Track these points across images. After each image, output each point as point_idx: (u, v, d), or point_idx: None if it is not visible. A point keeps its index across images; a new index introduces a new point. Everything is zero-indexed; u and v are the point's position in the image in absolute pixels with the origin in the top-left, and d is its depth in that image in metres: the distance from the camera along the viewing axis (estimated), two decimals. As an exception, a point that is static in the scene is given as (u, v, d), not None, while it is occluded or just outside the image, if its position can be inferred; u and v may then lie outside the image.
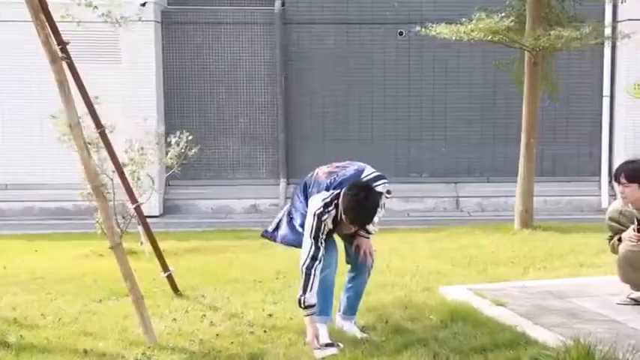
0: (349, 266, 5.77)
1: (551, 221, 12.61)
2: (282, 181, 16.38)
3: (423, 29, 11.43)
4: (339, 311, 5.78)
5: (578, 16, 11.83)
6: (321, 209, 5.25)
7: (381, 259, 8.44)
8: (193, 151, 10.78)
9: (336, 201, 5.26)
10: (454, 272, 8.01)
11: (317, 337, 5.26)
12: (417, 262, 8.59)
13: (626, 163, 6.31)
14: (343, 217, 5.23)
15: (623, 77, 16.05)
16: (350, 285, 5.73)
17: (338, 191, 5.28)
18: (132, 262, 5.95)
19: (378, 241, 10.11)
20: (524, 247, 9.62)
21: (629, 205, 6.21)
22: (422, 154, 16.58)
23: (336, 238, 5.60)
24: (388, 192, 5.54)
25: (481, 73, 16.21)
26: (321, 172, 5.56)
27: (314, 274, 5.21)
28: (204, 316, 6.25)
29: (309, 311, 5.27)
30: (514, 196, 12.00)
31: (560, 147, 16.37)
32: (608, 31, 12.73)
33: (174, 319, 6.18)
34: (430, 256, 9.14)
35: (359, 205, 5.17)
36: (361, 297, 5.81)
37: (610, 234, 6.40)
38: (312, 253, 5.22)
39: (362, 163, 5.61)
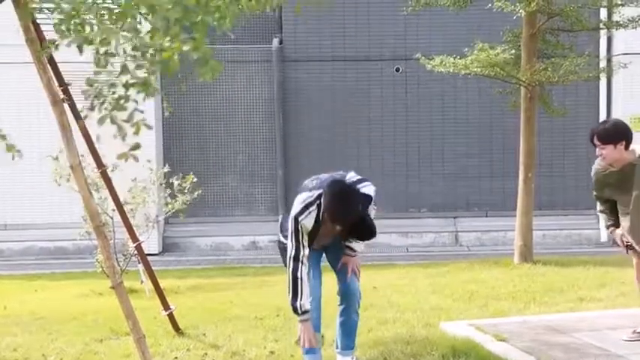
0: (339, 299, 5.65)
1: (550, 255, 12.59)
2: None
3: (423, 59, 11.50)
4: (337, 348, 5.71)
5: (573, 48, 11.93)
6: (301, 209, 5.20)
7: (381, 295, 8.45)
8: (196, 194, 10.73)
9: (318, 201, 5.20)
10: (455, 307, 8.00)
11: (312, 340, 5.18)
12: (418, 298, 8.59)
13: (601, 123, 6.35)
14: (325, 216, 5.14)
15: (619, 109, 16.09)
16: (342, 318, 5.63)
17: (320, 191, 5.22)
18: (132, 300, 5.93)
19: (378, 277, 10.15)
20: (525, 282, 9.61)
21: (611, 165, 6.18)
22: (420, 189, 16.61)
23: (323, 270, 5.55)
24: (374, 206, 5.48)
25: (478, 107, 16.31)
26: (308, 179, 5.56)
27: (301, 278, 5.11)
28: (206, 354, 6.24)
29: (305, 317, 5.17)
30: (513, 230, 12.00)
31: (558, 180, 16.41)
32: (603, 64, 12.83)
33: (176, 357, 6.18)
34: (431, 292, 9.13)
35: (338, 200, 5.08)
36: (356, 329, 5.71)
37: (602, 208, 6.46)
38: (293, 254, 5.16)
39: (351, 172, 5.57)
